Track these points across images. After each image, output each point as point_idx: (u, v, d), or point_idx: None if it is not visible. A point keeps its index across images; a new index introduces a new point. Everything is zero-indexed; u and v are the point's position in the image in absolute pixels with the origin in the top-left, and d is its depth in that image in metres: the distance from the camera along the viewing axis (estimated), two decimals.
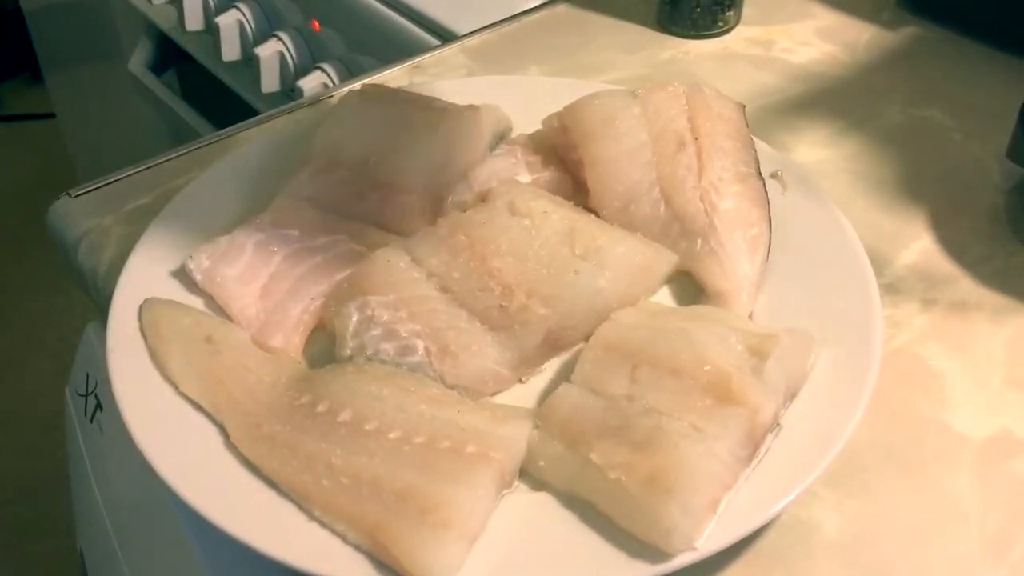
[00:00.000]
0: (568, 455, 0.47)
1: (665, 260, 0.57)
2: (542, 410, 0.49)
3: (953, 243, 0.63)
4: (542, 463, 0.47)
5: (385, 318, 0.52)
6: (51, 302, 1.90)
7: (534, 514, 0.46)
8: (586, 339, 0.54)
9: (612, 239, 0.55)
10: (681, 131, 0.61)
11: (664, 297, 0.58)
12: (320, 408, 0.48)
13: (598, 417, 0.48)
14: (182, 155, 0.70)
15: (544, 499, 0.46)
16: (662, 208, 0.59)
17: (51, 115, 1.90)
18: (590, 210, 0.60)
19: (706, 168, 0.60)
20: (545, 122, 0.63)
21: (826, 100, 0.75)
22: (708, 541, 0.43)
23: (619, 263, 0.55)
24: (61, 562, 1.42)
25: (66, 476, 0.74)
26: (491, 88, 0.70)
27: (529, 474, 0.48)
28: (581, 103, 0.61)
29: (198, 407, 0.50)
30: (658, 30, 0.83)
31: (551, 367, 0.54)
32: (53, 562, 1.45)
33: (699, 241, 0.58)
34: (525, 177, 0.63)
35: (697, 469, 0.44)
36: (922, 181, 0.68)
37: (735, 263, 0.56)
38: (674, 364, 0.49)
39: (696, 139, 0.61)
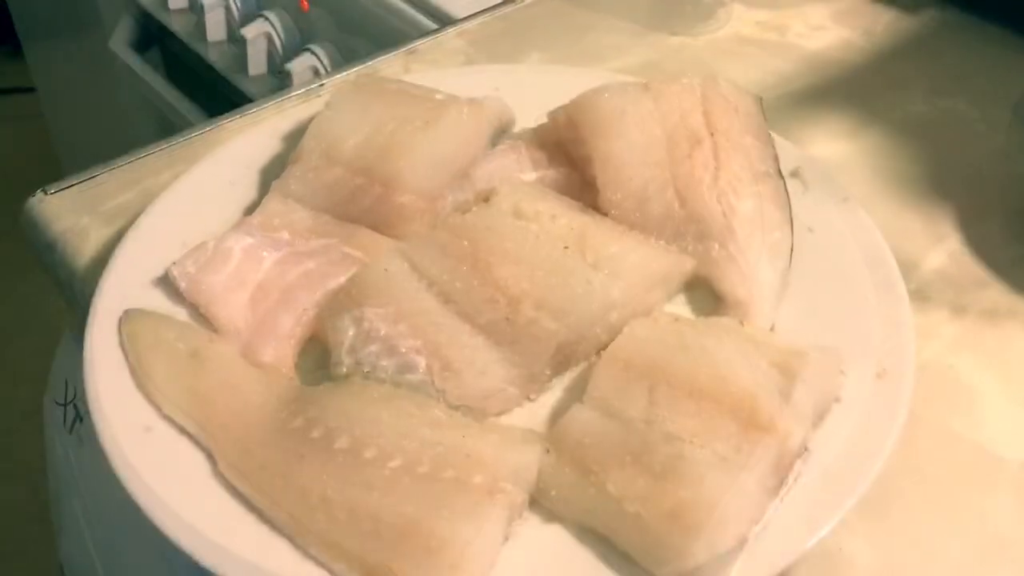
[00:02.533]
0: (582, 484, 0.44)
1: (681, 266, 0.54)
2: (553, 433, 0.46)
3: (982, 244, 0.60)
4: (554, 493, 0.44)
5: (383, 332, 0.49)
6: (34, 283, 1.85)
7: (546, 550, 0.43)
8: (598, 353, 0.50)
9: (625, 246, 0.52)
10: (696, 127, 0.57)
11: (679, 305, 0.54)
12: (315, 434, 0.45)
13: (614, 442, 0.44)
14: (165, 149, 0.66)
15: (556, 532, 0.43)
16: (676, 209, 0.55)
17: (32, 89, 1.85)
18: (598, 210, 0.56)
19: (723, 167, 0.56)
20: (551, 116, 0.59)
21: (844, 89, 0.72)
22: None
23: (633, 272, 0.51)
24: (42, 570, 1.39)
25: (46, 486, 0.71)
26: (491, 77, 0.66)
27: (540, 504, 0.44)
28: (589, 96, 0.58)
29: (183, 431, 0.46)
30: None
31: (562, 382, 0.50)
32: (34, 569, 1.42)
33: (716, 245, 0.54)
34: (529, 175, 0.59)
35: (724, 504, 0.41)
36: (947, 176, 0.64)
37: (755, 270, 0.53)
38: (695, 385, 0.45)
39: (712, 135, 0.57)
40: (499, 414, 0.49)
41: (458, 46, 0.75)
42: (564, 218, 0.53)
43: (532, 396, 0.50)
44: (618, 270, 0.51)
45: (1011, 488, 0.48)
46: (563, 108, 0.59)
